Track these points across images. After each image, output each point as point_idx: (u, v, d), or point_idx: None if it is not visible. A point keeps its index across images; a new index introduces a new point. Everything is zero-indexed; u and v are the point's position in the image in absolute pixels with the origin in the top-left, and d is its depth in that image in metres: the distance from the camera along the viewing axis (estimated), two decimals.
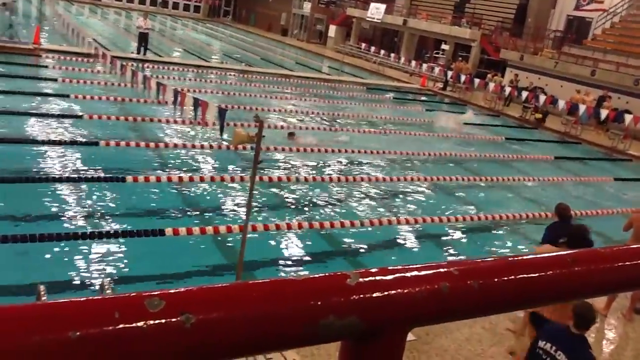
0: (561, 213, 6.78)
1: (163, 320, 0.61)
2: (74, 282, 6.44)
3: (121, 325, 0.60)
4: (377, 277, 0.75)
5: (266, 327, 0.67)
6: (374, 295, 0.73)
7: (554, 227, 6.77)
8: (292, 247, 8.30)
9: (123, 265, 6.98)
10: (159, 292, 0.64)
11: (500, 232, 10.54)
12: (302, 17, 46.47)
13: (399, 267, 0.79)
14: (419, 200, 11.34)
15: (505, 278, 0.82)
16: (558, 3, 31.34)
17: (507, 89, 25.02)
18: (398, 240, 9.29)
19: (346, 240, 8.89)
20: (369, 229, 9.25)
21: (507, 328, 6.58)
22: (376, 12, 37.87)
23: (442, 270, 0.79)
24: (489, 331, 6.45)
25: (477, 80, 26.27)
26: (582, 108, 21.38)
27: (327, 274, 0.74)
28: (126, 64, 13.69)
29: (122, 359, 0.60)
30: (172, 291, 0.65)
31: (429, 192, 11.98)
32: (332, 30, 43.21)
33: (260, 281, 0.71)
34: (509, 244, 10.00)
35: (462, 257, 8.90)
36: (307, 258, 8.07)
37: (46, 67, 18.32)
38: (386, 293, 0.73)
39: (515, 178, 13.88)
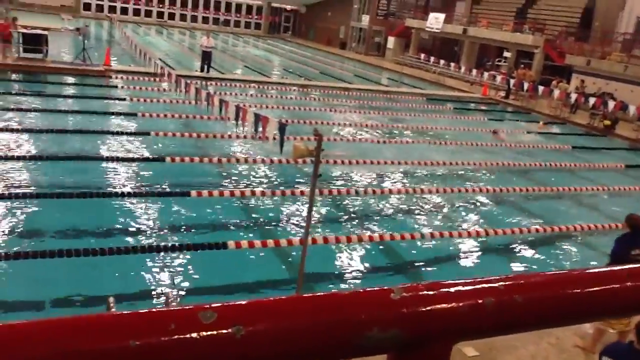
0: (633, 224, 6.46)
1: (215, 332, 0.66)
2: (141, 294, 6.68)
3: (176, 336, 0.64)
4: (421, 292, 0.77)
5: (312, 338, 0.70)
6: (418, 309, 0.75)
7: (625, 239, 6.47)
8: (352, 260, 8.30)
9: (188, 278, 7.19)
10: (211, 305, 0.68)
11: (569, 244, 10.17)
12: (360, 30, 46.67)
13: (444, 282, 0.80)
14: (482, 212, 11.12)
15: (553, 293, 0.82)
16: (627, 4, 30.09)
17: (573, 96, 24.19)
18: (461, 253, 9.13)
19: (407, 253, 8.82)
20: (431, 241, 9.14)
21: (576, 344, 6.32)
22: (435, 22, 37.56)
23: (486, 285, 0.80)
24: (556, 347, 6.22)
25: (541, 88, 25.54)
26: None
27: (371, 289, 0.77)
28: (190, 82, 14.14)
29: None
30: (224, 304, 0.70)
31: (493, 204, 11.72)
32: (391, 41, 43.16)
33: (308, 295, 0.74)
34: (578, 256, 9.64)
35: (530, 271, 8.65)
36: (367, 271, 8.05)
37: (115, 87, 19.18)
38: (429, 308, 0.75)
39: (583, 188, 13.39)
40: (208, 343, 0.65)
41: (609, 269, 0.90)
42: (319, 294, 0.74)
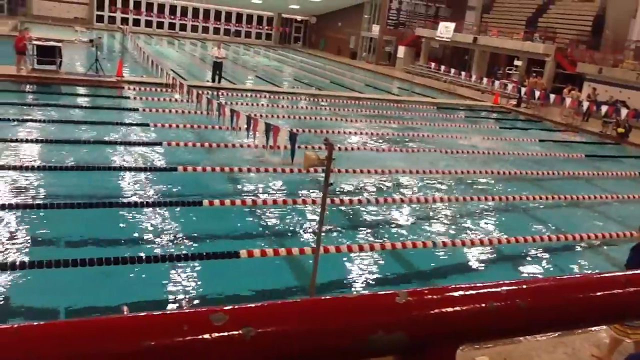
0: None
1: (226, 333, 0.69)
2: (154, 303, 6.72)
3: (189, 337, 0.67)
4: (425, 297, 0.79)
5: (320, 340, 0.72)
6: (421, 313, 0.77)
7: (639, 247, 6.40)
8: (364, 268, 8.30)
9: (200, 287, 7.22)
10: (222, 308, 0.71)
11: (582, 253, 10.11)
12: (370, 40, 46.81)
13: (449, 286, 0.82)
14: (494, 221, 11.08)
15: (555, 298, 0.84)
16: (638, 12, 29.97)
17: (585, 104, 24.08)
18: (472, 262, 9.10)
19: (419, 261, 8.80)
20: (442, 250, 9.12)
21: (592, 354, 6.26)
22: (445, 31, 37.62)
23: (490, 290, 0.82)
24: (572, 357, 6.17)
25: (552, 96, 25.45)
26: None
27: (377, 293, 0.79)
28: (202, 92, 14.25)
29: None
30: (234, 307, 0.72)
31: (505, 213, 11.68)
32: (401, 51, 43.25)
33: (315, 298, 0.77)
34: (591, 265, 9.56)
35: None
36: (379, 279, 8.04)
37: (128, 98, 19.36)
38: (433, 311, 0.77)
39: (596, 196, 13.30)
40: (219, 344, 0.68)
41: (609, 274, 0.92)
42: (325, 297, 0.77)
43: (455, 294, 0.81)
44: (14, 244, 7.76)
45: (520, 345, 6.07)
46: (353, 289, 7.70)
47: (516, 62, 33.67)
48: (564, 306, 0.85)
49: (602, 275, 0.92)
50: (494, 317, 0.80)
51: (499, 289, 0.83)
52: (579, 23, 33.20)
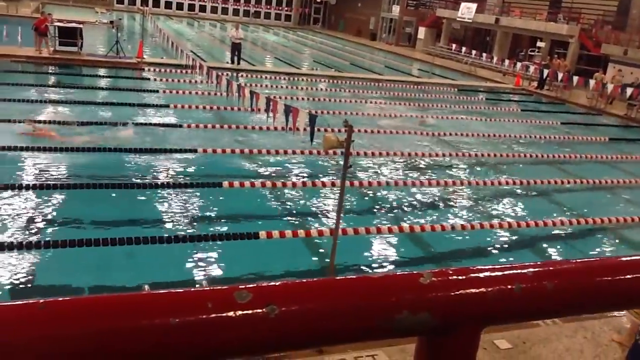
0: None
1: (250, 311, 0.69)
2: (175, 282, 6.80)
3: (213, 315, 0.67)
4: (450, 277, 0.78)
5: (344, 319, 0.72)
6: (446, 293, 0.76)
7: None
8: (383, 250, 8.30)
9: (220, 267, 7.29)
10: (247, 286, 0.71)
11: (604, 237, 9.99)
12: (390, 21, 46.29)
13: (473, 267, 0.81)
14: (515, 204, 10.98)
15: (582, 280, 0.82)
16: None
17: (610, 86, 23.63)
18: (492, 245, 9.04)
19: (437, 244, 8.78)
20: (461, 233, 9.08)
21: (613, 339, 6.21)
22: (467, 11, 37.04)
23: (515, 271, 0.81)
24: (591, 342, 6.13)
25: (575, 78, 24.99)
26: None
27: (401, 273, 0.79)
28: (221, 74, 14.24)
29: (214, 344, 0.67)
30: (259, 284, 0.72)
31: (526, 196, 11.56)
32: (422, 32, 42.71)
33: (340, 278, 0.77)
34: (614, 249, 9.45)
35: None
36: (397, 262, 8.04)
37: (148, 79, 19.44)
38: (458, 292, 0.77)
39: (620, 180, 13.10)
40: (243, 322, 0.68)
41: (637, 257, 0.90)
42: (350, 277, 0.76)
43: (481, 275, 0.80)
44: (38, 223, 7.89)
45: (539, 329, 6.04)
46: (371, 271, 7.71)
47: (539, 44, 33.07)
48: (591, 289, 0.84)
49: (630, 258, 0.90)
50: (520, 299, 0.79)
51: (525, 271, 0.82)
52: (604, 3, 32.43)
